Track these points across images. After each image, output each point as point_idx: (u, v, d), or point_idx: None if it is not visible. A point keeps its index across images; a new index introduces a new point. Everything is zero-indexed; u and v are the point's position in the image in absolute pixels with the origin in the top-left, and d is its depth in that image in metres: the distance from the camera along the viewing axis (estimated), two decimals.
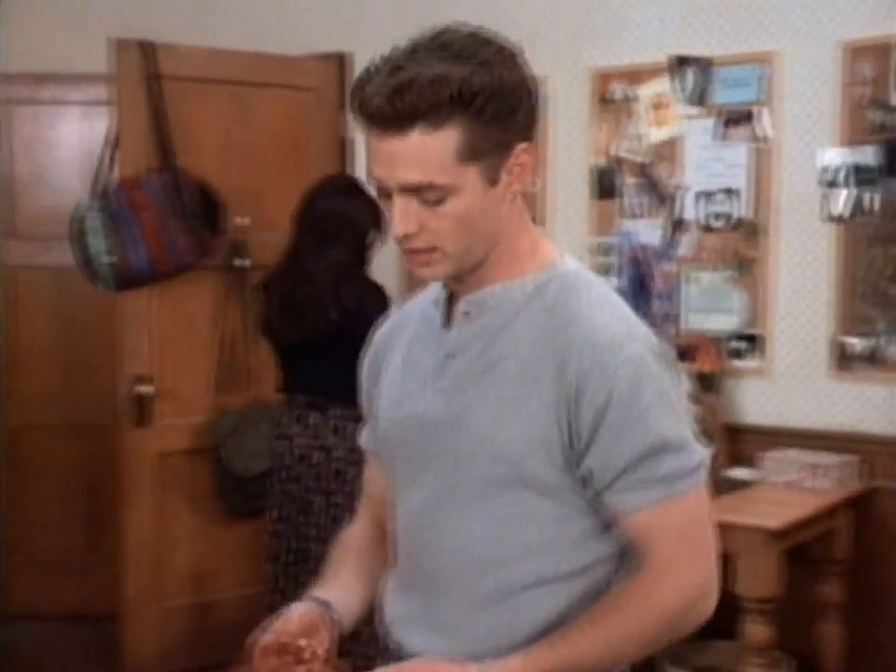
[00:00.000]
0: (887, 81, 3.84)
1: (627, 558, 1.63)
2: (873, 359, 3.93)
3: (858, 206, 3.91)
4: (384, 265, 4.10)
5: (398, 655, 1.70)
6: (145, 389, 4.46)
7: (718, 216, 4.13)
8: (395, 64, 1.49)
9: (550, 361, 1.56)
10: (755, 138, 4.08)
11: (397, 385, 1.73)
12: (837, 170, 3.93)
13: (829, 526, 3.79)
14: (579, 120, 4.32)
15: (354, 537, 1.90)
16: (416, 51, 1.50)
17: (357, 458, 2.61)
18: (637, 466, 1.54)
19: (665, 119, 4.20)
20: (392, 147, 1.50)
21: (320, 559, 1.96)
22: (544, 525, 1.60)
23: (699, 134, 4.16)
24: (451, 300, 1.68)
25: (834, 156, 3.95)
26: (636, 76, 4.23)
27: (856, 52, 3.89)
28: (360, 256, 3.94)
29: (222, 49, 4.59)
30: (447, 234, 1.54)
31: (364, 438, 1.89)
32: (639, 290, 4.24)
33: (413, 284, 1.89)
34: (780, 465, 3.87)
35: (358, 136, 4.81)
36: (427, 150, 1.49)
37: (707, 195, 4.15)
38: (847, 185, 3.92)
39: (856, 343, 3.96)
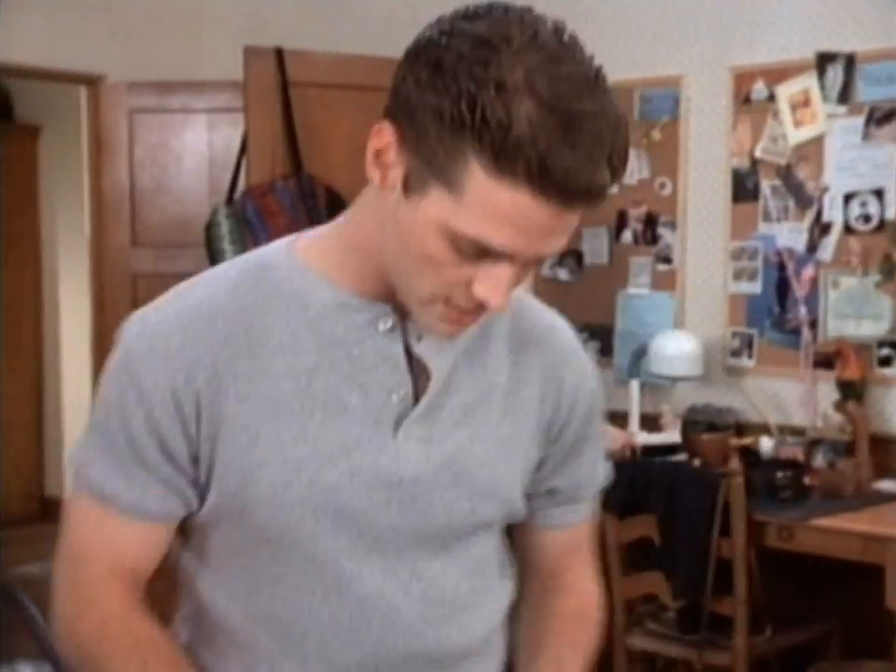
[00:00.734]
0: None
1: None
2: None
3: None
4: None
5: None
6: None
7: (863, 217, 3.98)
8: (584, 106, 1.12)
9: (532, 383, 1.40)
10: None
11: (299, 438, 1.28)
12: None
13: None
14: (719, 121, 4.20)
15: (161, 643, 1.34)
16: (590, 81, 1.14)
17: None
18: (596, 477, 1.51)
19: (807, 118, 4.05)
20: (561, 219, 1.15)
21: None
22: (496, 559, 1.48)
23: (843, 134, 4.01)
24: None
25: None
26: (778, 74, 4.09)
27: None
28: None
29: (350, 55, 4.56)
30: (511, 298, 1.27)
31: (150, 503, 1.31)
32: (780, 295, 4.11)
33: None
34: None
35: None
36: (575, 222, 1.20)
37: (852, 196, 4.00)
38: None
39: None
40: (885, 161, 3.95)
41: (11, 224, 6.47)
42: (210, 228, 4.35)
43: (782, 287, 4.11)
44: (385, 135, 1.19)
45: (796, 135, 4.08)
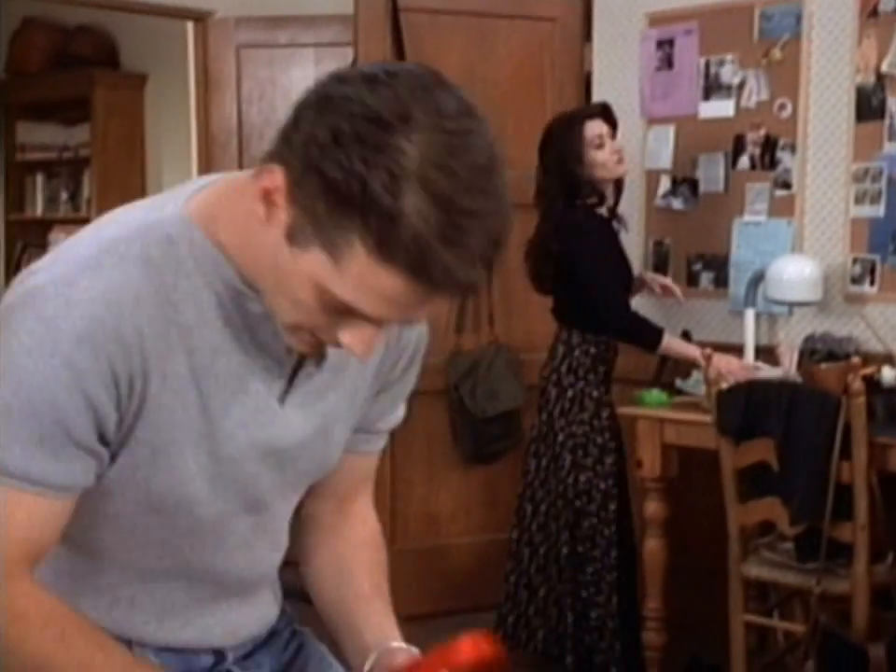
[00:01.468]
0: None
1: None
2: None
3: None
4: None
5: None
6: None
7: None
8: (476, 204, 1.16)
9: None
10: None
11: (203, 416, 1.35)
12: None
13: None
14: (843, 36, 4.05)
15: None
16: (482, 173, 1.17)
17: None
18: (396, 414, 1.67)
19: None
20: (433, 302, 1.22)
21: None
22: None
23: None
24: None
25: None
26: None
27: None
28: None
29: None
30: None
31: (72, 477, 1.31)
32: None
33: None
34: None
35: (599, 70, 4.68)
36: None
37: None
38: None
39: None
40: None
41: (118, 174, 6.52)
42: None
43: None
44: (275, 178, 1.21)
45: None
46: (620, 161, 3.92)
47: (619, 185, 4.01)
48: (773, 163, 4.20)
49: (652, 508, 3.89)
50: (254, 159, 5.13)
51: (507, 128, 4.52)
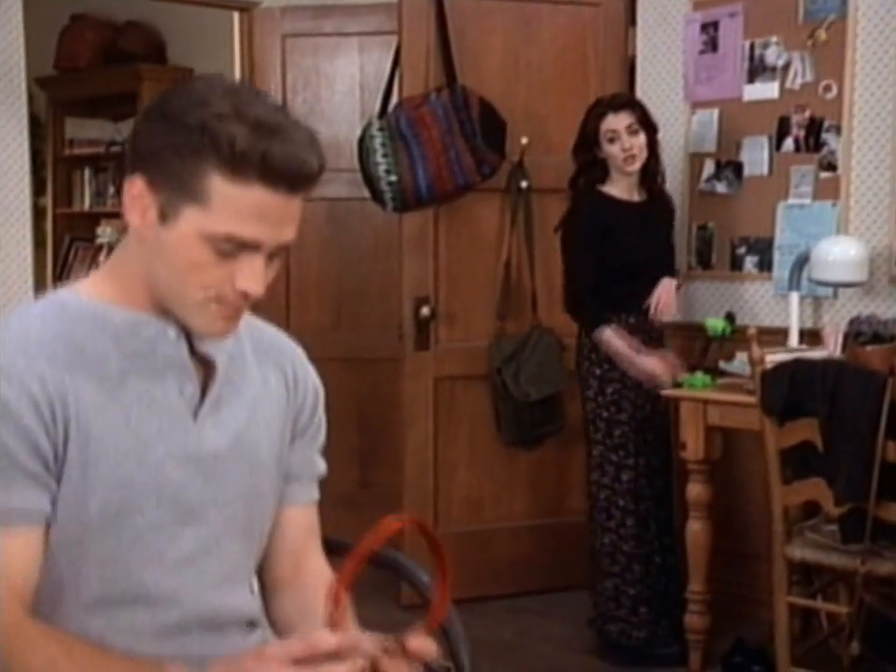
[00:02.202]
0: None
1: None
2: None
3: None
4: None
5: None
6: (426, 312, 4.44)
7: None
8: (281, 121, 1.46)
9: (277, 377, 1.72)
10: None
11: (124, 429, 1.53)
12: None
13: None
14: (889, 16, 3.97)
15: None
16: (278, 109, 1.50)
17: None
18: (317, 461, 1.81)
19: None
20: (290, 207, 1.48)
21: None
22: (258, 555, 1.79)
23: None
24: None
25: None
26: None
27: None
28: None
29: None
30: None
31: (30, 503, 1.47)
32: None
33: None
34: None
35: (643, 54, 4.67)
36: (299, 210, 1.51)
37: None
38: None
39: None
40: None
41: None
42: (363, 142, 4.34)
43: None
44: (136, 185, 1.49)
45: None
46: (628, 159, 3.93)
47: (645, 170, 4.01)
48: (818, 145, 4.18)
49: (696, 490, 3.88)
50: None
51: (549, 113, 4.54)
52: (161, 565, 1.58)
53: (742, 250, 4.42)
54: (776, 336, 4.02)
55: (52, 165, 7.00)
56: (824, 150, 4.16)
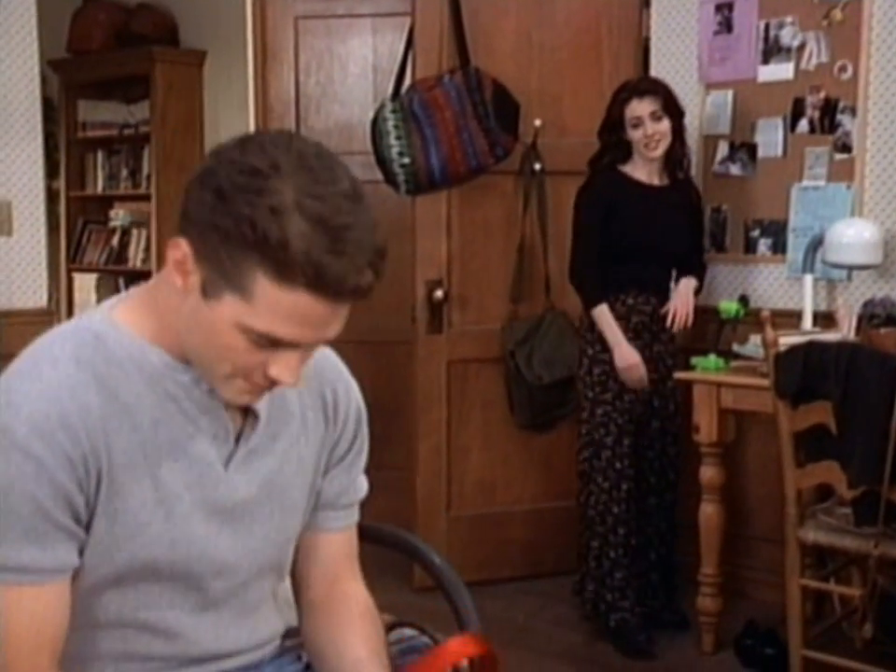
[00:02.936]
0: None
1: None
2: None
3: None
4: None
5: None
6: (439, 295, 4.43)
7: None
8: (347, 221, 1.35)
9: (315, 407, 1.66)
10: None
11: (153, 482, 1.50)
12: None
13: None
14: None
15: None
16: (349, 197, 1.37)
17: None
18: (360, 486, 1.77)
19: None
20: (336, 312, 1.40)
21: None
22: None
23: None
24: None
25: None
26: None
27: None
28: None
29: None
30: None
31: (62, 558, 1.46)
32: None
33: None
34: None
35: (657, 35, 4.65)
36: (346, 312, 1.43)
37: None
38: None
39: None
40: None
41: (177, 150, 6.57)
42: (375, 124, 4.34)
43: None
44: (181, 248, 1.40)
45: None
46: (650, 145, 3.92)
47: (669, 156, 3.99)
48: (832, 127, 4.16)
49: (709, 473, 3.87)
50: (311, 129, 5.20)
51: (563, 95, 4.52)
52: (183, 608, 1.58)
53: (756, 233, 4.41)
54: (789, 319, 4.01)
55: (65, 148, 6.99)
56: (839, 132, 4.14)
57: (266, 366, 1.43)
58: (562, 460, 4.65)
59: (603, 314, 3.97)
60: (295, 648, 1.77)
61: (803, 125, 4.23)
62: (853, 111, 4.09)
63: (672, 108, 3.94)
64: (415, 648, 1.81)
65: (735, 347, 4.07)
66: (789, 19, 4.23)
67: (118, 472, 1.47)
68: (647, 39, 4.68)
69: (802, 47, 4.20)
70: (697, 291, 4.12)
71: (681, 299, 4.02)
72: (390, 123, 4.28)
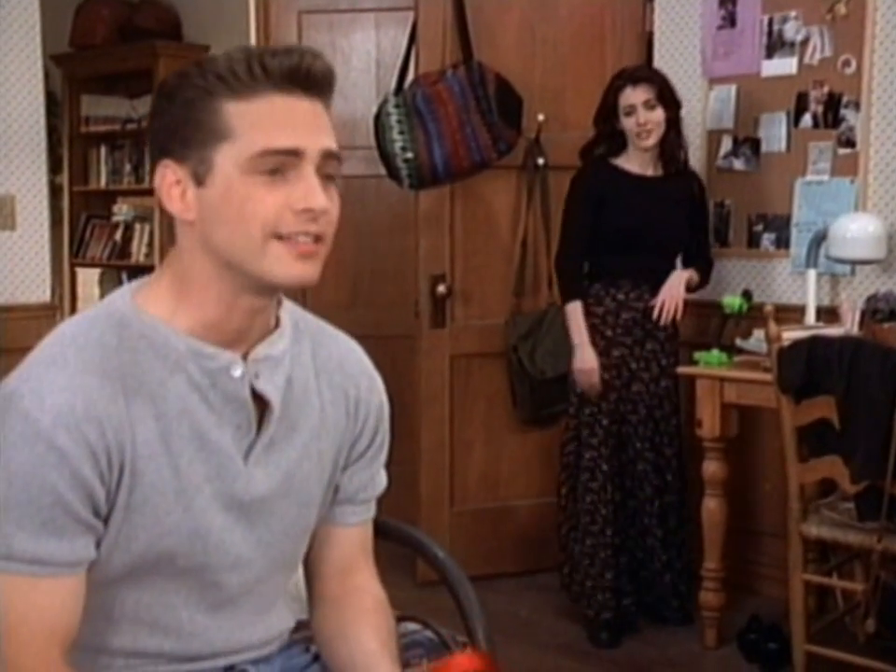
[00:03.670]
0: None
1: None
2: None
3: None
4: None
5: None
6: (442, 290, 4.44)
7: None
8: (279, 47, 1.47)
9: (336, 403, 1.64)
10: None
11: (174, 474, 1.49)
12: None
13: None
14: None
15: None
16: None
17: None
18: (379, 482, 1.76)
19: None
20: (313, 110, 1.45)
21: None
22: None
23: None
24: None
25: None
26: None
27: None
28: None
29: None
30: (335, 221, 1.49)
31: (79, 552, 1.45)
32: None
33: None
34: None
35: (660, 29, 4.65)
36: (327, 118, 1.48)
37: None
38: None
39: None
40: None
41: None
42: (379, 118, 4.33)
43: None
44: (168, 168, 1.46)
45: None
46: (642, 134, 3.91)
47: (663, 146, 3.98)
48: (836, 121, 4.15)
49: (712, 468, 3.87)
50: None
51: (566, 89, 4.52)
52: (198, 607, 1.58)
53: (759, 227, 4.40)
54: (793, 313, 4.01)
55: (69, 143, 6.99)
56: (843, 126, 4.13)
57: (290, 203, 1.43)
58: None
59: (575, 311, 3.99)
60: (303, 640, 1.77)
61: (806, 120, 4.23)
62: (857, 106, 4.08)
63: (667, 98, 3.92)
64: (419, 642, 1.81)
65: (739, 342, 4.07)
66: (792, 13, 4.23)
67: (140, 463, 1.46)
68: (650, 34, 4.67)
69: (805, 41, 4.19)
70: (699, 286, 4.11)
71: (670, 290, 4.00)
72: (393, 118, 4.28)
